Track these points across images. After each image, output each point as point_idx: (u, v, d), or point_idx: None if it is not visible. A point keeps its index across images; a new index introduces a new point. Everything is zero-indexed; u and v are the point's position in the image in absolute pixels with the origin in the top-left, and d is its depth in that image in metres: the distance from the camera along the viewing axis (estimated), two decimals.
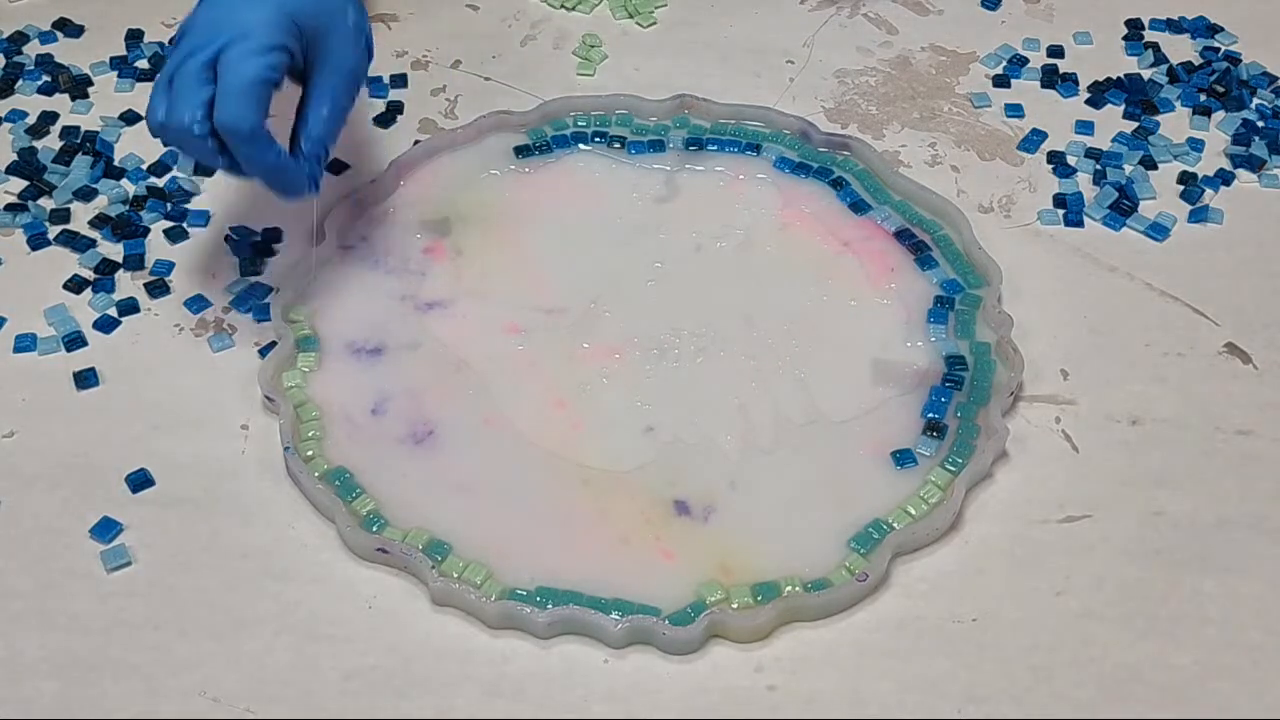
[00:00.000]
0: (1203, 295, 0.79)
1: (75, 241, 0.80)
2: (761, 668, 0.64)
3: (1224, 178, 0.85)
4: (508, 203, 0.82)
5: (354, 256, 0.79)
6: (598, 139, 0.85)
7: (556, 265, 0.79)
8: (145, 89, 0.89)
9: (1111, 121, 0.88)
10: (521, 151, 0.84)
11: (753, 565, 0.67)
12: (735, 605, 0.65)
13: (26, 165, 0.84)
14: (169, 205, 0.82)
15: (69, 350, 0.75)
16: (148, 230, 0.81)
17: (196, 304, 0.78)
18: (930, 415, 0.72)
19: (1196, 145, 0.86)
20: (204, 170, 0.84)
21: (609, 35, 0.94)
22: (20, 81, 0.89)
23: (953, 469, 0.70)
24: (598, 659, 0.64)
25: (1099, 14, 0.95)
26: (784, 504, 0.69)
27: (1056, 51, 0.92)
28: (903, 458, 0.71)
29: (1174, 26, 0.94)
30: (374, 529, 0.68)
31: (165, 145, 0.75)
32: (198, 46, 0.68)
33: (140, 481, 0.70)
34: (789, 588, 0.65)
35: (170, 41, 0.70)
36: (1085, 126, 0.88)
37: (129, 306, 0.77)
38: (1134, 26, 0.94)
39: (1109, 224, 0.82)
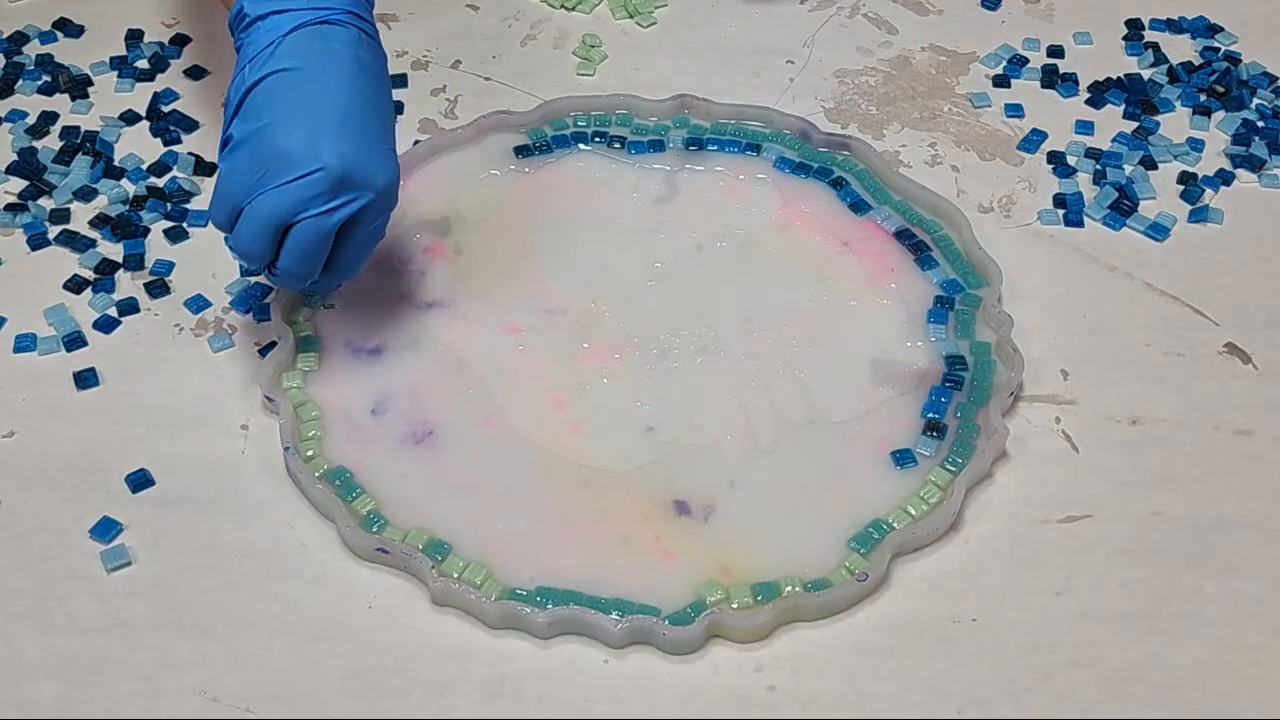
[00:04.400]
0: (1203, 295, 0.79)
1: (75, 241, 0.80)
2: (761, 668, 0.64)
3: (1224, 178, 0.85)
4: (508, 203, 0.82)
5: None
6: (598, 139, 0.85)
7: (556, 265, 0.79)
8: (145, 89, 0.89)
9: (1111, 121, 0.88)
10: (521, 151, 0.84)
11: (753, 565, 0.67)
12: (735, 605, 0.65)
13: (26, 165, 0.84)
14: (169, 205, 0.82)
15: (69, 350, 0.75)
16: (148, 230, 0.81)
17: (196, 304, 0.78)
18: (930, 415, 0.72)
19: (1196, 145, 0.86)
20: (204, 170, 0.84)
21: (609, 35, 0.93)
22: (20, 81, 0.89)
23: (953, 469, 0.70)
24: (598, 659, 0.64)
25: (1099, 14, 0.95)
26: (784, 504, 0.69)
27: (1056, 51, 0.92)
28: (903, 458, 0.71)
29: (1174, 26, 0.94)
30: (374, 529, 0.68)
31: (233, 254, 0.71)
32: (329, 202, 0.67)
33: (140, 481, 0.70)
34: (789, 588, 0.65)
35: (236, 99, 0.69)
36: (1085, 126, 0.88)
37: (129, 306, 0.77)
38: (1134, 26, 0.94)
39: (1109, 224, 0.82)
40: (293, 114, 0.67)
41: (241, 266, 0.79)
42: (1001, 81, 0.91)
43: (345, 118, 0.67)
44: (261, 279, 0.78)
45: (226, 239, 0.70)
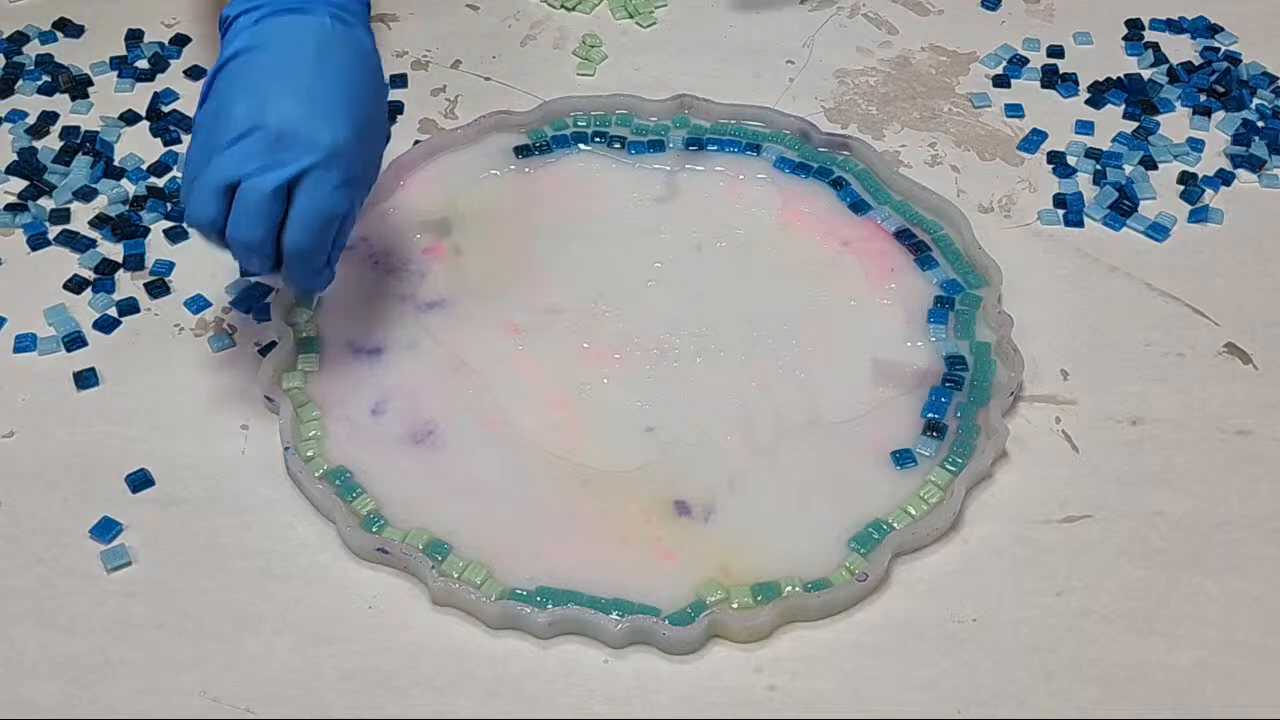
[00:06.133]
0: (1203, 295, 0.79)
1: (75, 241, 0.80)
2: (761, 668, 0.64)
3: (1224, 178, 0.85)
4: (508, 203, 0.82)
5: (354, 256, 0.79)
6: (598, 139, 0.85)
7: (556, 265, 0.79)
8: (145, 89, 0.89)
9: (1111, 121, 0.88)
10: (521, 151, 0.84)
11: (753, 565, 0.67)
12: (735, 605, 0.65)
13: (26, 165, 0.84)
14: (169, 205, 0.82)
15: (69, 350, 0.75)
16: (148, 230, 0.81)
17: (196, 304, 0.78)
18: (930, 415, 0.72)
19: (1196, 145, 0.86)
20: None
21: (609, 35, 0.94)
22: (20, 81, 0.89)
23: (953, 469, 0.70)
24: (598, 659, 0.64)
25: (1099, 14, 0.95)
26: (784, 504, 0.69)
27: (1056, 51, 0.92)
28: (903, 458, 0.71)
29: (1174, 26, 0.94)
30: (374, 529, 0.68)
31: (199, 234, 0.69)
32: (269, 161, 0.65)
33: (140, 481, 0.70)
34: (789, 588, 0.65)
35: (204, 89, 0.69)
36: (1085, 126, 0.88)
37: (129, 306, 0.77)
38: (1134, 26, 0.94)
39: (1109, 224, 0.82)
40: (243, 86, 0.67)
41: (240, 267, 0.78)
42: (1001, 81, 0.91)
43: (291, 81, 0.67)
44: (264, 280, 0.78)
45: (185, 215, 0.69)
